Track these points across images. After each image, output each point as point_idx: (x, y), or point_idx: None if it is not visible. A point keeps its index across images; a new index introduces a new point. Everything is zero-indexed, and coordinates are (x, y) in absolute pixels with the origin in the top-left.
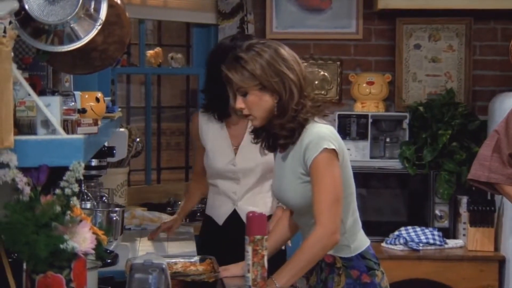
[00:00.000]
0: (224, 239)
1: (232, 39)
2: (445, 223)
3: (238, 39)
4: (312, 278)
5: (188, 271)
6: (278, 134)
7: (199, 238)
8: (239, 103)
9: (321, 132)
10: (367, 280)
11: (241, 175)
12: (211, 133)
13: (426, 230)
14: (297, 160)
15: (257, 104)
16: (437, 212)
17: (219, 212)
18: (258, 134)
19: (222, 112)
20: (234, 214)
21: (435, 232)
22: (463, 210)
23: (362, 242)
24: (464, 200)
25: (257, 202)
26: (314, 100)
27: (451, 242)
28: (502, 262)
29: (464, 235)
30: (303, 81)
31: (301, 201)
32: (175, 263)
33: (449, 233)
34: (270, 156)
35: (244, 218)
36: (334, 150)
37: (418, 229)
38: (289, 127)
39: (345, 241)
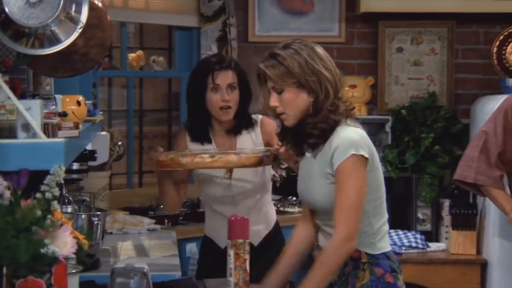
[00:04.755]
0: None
1: (212, 56)
2: (428, 227)
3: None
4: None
5: None
6: (309, 132)
7: (200, 260)
8: (273, 101)
9: (352, 137)
10: (390, 280)
11: (239, 198)
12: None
13: (409, 234)
14: (326, 161)
15: (293, 102)
16: (419, 215)
17: (221, 234)
18: (285, 136)
19: (203, 134)
20: None
21: (418, 236)
22: (445, 213)
23: (387, 244)
24: (447, 203)
25: (260, 219)
26: (347, 103)
27: (434, 246)
28: (484, 265)
29: (446, 238)
30: (339, 82)
31: (328, 201)
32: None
33: (432, 236)
34: (265, 172)
35: (252, 241)
36: (362, 156)
37: (400, 232)
38: (320, 127)
39: (372, 239)
